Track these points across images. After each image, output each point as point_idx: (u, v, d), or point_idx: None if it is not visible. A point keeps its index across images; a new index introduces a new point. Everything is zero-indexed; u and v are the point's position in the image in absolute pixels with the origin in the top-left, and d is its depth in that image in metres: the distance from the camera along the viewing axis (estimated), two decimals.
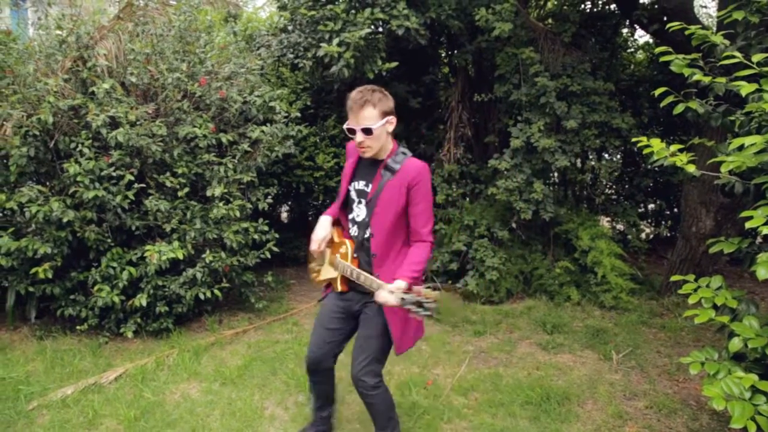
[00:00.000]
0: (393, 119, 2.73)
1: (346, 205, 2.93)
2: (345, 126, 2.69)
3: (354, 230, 2.88)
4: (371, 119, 2.62)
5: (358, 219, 2.85)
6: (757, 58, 2.81)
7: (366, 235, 2.81)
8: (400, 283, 2.50)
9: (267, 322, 5.38)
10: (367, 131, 2.63)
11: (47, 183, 4.78)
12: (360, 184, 2.84)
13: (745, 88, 2.75)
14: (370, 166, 2.82)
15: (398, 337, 2.83)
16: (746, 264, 2.99)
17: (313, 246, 2.89)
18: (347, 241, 2.88)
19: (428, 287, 2.45)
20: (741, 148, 2.70)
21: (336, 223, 3.02)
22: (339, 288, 2.91)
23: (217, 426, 3.55)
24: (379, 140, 2.69)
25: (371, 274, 2.73)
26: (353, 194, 2.87)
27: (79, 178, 4.37)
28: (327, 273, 3.03)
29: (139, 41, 5.04)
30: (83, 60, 4.88)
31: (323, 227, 2.90)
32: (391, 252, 2.79)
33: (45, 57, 4.96)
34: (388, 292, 2.47)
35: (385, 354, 2.92)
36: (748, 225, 2.51)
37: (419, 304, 2.40)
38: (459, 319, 2.31)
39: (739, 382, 2.51)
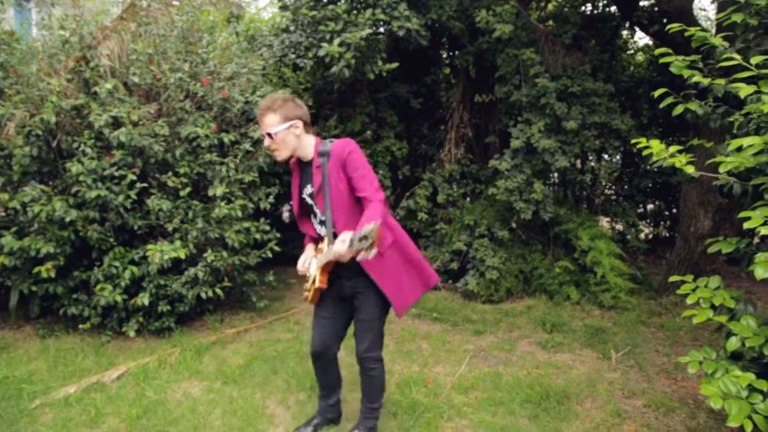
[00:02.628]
0: (298, 123, 2.89)
1: (308, 214, 3.12)
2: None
3: (323, 230, 3.02)
4: (272, 125, 2.84)
5: (324, 218, 2.98)
6: (755, 60, 2.83)
7: (332, 227, 2.94)
8: (347, 234, 2.60)
9: (268, 321, 5.40)
10: (270, 135, 2.85)
11: (50, 182, 4.80)
12: (308, 189, 3.01)
13: (744, 90, 2.77)
14: (306, 171, 3.02)
15: (396, 303, 3.01)
16: (744, 264, 3.01)
17: (299, 266, 3.12)
18: (325, 239, 3.00)
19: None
20: (740, 149, 2.72)
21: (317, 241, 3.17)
22: (317, 284, 2.97)
23: (218, 424, 3.56)
24: (285, 143, 2.89)
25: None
26: (308, 200, 3.04)
27: (81, 178, 4.40)
28: (310, 280, 3.12)
29: (142, 41, 5.06)
30: (86, 60, 4.91)
31: (306, 253, 3.14)
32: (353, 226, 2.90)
33: (48, 57, 4.99)
34: (339, 242, 2.61)
35: (382, 332, 3.16)
36: (746, 225, 2.53)
37: (362, 238, 2.50)
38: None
39: (737, 380, 2.53)
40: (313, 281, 3.01)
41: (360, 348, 3.12)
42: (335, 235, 2.90)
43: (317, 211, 3.01)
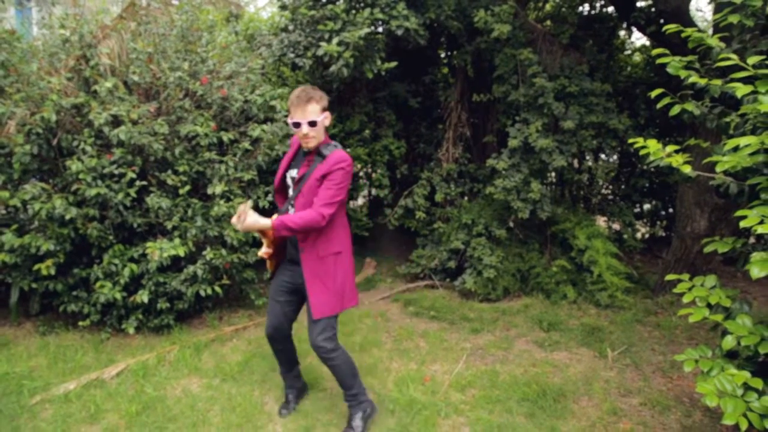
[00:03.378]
0: (329, 114, 3.14)
1: (284, 190, 3.37)
2: (290, 120, 3.06)
3: (291, 211, 3.22)
4: (315, 113, 3.02)
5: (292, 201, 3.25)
6: (752, 60, 2.85)
7: (292, 212, 3.17)
8: (265, 221, 2.96)
9: None
10: (312, 123, 3.02)
11: (50, 180, 4.81)
12: (293, 173, 3.25)
13: (741, 90, 2.78)
14: (302, 157, 3.25)
15: (313, 301, 3.17)
16: (740, 263, 3.04)
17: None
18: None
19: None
20: (736, 149, 2.74)
21: None
22: (266, 249, 3.28)
23: (217, 421, 3.59)
24: (320, 132, 3.10)
25: (296, 249, 3.18)
26: (288, 181, 3.29)
27: (81, 176, 4.41)
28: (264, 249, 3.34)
29: (142, 40, 5.07)
30: (86, 59, 4.92)
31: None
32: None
33: (48, 56, 5.00)
34: (236, 216, 2.93)
35: (332, 324, 3.28)
36: (742, 224, 2.55)
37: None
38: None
39: (732, 379, 2.55)
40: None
41: (310, 336, 3.25)
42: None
43: (290, 192, 3.27)
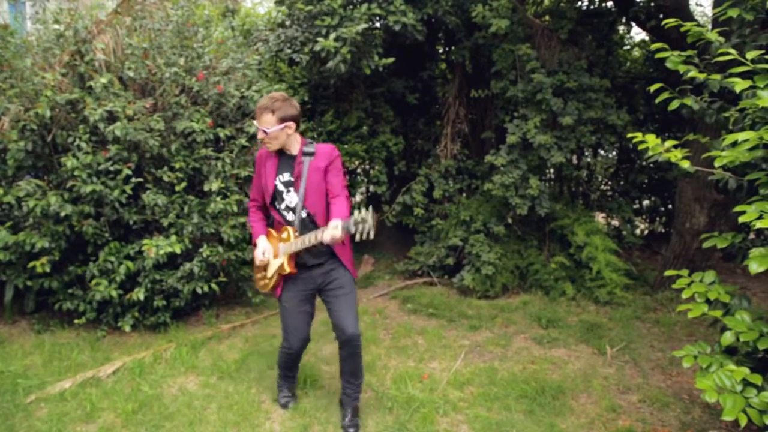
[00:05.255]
0: (291, 125, 3.20)
1: (274, 200, 3.36)
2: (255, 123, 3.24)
3: (290, 215, 3.30)
4: (269, 123, 3.14)
5: (292, 204, 3.29)
6: (751, 55, 2.84)
7: (305, 214, 3.25)
8: (337, 221, 2.91)
9: (264, 317, 5.40)
10: (265, 132, 3.16)
11: (45, 177, 4.78)
12: (285, 176, 3.30)
13: (740, 85, 2.77)
14: (287, 161, 3.32)
15: (347, 262, 3.38)
16: (739, 259, 3.02)
17: (260, 257, 3.36)
18: (289, 228, 3.26)
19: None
20: (735, 144, 2.73)
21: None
22: (287, 270, 3.25)
23: (214, 419, 3.57)
24: (278, 139, 3.21)
25: (309, 251, 3.23)
26: (281, 187, 3.31)
27: (76, 173, 4.38)
28: (273, 267, 3.36)
29: (137, 36, 5.03)
30: (81, 54, 4.88)
31: (263, 244, 3.39)
32: (327, 217, 3.23)
33: (42, 51, 4.96)
34: (333, 229, 2.88)
35: None
36: (741, 219, 2.54)
37: (360, 221, 2.78)
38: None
39: (731, 375, 2.54)
40: (279, 268, 3.28)
41: (349, 327, 3.26)
42: (311, 222, 3.24)
43: (287, 198, 3.29)
